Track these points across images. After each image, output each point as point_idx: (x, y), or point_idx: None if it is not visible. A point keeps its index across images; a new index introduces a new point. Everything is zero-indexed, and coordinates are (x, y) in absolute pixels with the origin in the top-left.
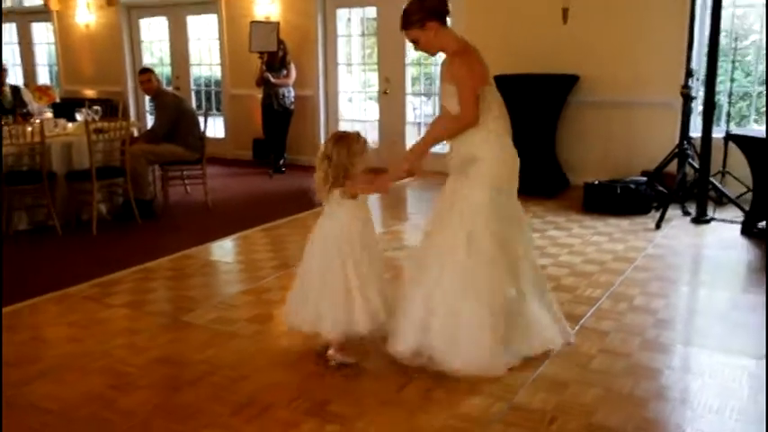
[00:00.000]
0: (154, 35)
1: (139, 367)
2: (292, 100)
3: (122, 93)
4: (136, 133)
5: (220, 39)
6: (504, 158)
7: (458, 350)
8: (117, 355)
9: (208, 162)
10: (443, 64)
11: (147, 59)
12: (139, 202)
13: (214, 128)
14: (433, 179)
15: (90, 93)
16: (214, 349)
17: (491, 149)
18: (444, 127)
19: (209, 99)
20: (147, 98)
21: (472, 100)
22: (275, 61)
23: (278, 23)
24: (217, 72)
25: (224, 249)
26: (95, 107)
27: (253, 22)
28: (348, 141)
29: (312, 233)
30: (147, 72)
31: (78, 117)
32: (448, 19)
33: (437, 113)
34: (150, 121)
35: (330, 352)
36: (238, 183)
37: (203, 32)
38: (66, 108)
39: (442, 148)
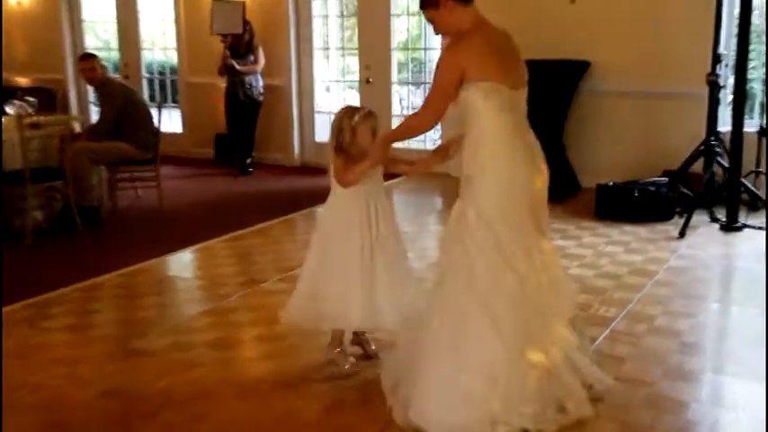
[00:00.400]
0: (98, 14)
1: (82, 403)
2: (261, 90)
3: (61, 81)
4: (78, 129)
5: (177, 19)
6: (508, 179)
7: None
8: (55, 387)
9: (162, 161)
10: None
11: (91, 42)
12: (82, 209)
13: (170, 122)
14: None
15: (23, 81)
16: (169, 380)
17: (489, 166)
18: (400, 124)
19: (163, 89)
20: (91, 88)
21: (435, 97)
22: (241, 46)
23: (243, 2)
24: (173, 58)
25: (181, 263)
26: (29, 98)
27: (215, 1)
28: (350, 112)
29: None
30: (89, 58)
31: (9, 110)
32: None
33: None
34: (95, 114)
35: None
36: (198, 185)
37: (157, 12)
38: None
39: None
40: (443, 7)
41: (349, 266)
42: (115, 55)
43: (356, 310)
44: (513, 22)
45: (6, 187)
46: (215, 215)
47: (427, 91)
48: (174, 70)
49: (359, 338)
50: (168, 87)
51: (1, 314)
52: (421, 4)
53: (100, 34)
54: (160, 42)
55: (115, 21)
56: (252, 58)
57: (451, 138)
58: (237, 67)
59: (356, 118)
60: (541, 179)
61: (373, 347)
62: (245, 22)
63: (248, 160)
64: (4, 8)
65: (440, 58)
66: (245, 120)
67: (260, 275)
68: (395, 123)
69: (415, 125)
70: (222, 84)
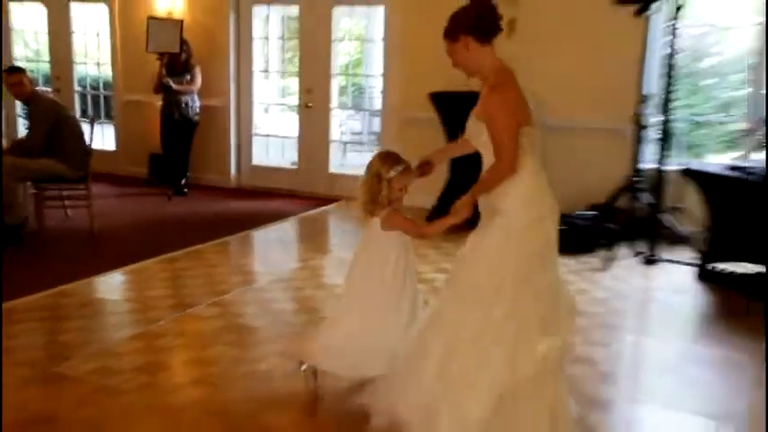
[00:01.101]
0: (29, 23)
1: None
2: (197, 110)
3: None
4: (4, 143)
5: (111, 34)
6: (538, 209)
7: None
8: None
9: (94, 180)
10: (481, 93)
11: (20, 52)
12: (6, 227)
13: (103, 139)
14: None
15: None
16: (93, 408)
17: (523, 200)
18: (484, 179)
19: (96, 105)
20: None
21: (510, 145)
22: (177, 64)
23: (181, 21)
24: (107, 72)
25: (110, 285)
26: None
27: (151, 17)
28: (390, 161)
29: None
30: (16, 72)
31: None
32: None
33: (367, 129)
34: (22, 128)
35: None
36: (131, 205)
37: (91, 24)
38: None
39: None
40: (461, 42)
41: (383, 313)
42: (46, 67)
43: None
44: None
45: None
46: (147, 236)
47: (368, 118)
48: (108, 86)
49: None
50: (102, 103)
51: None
52: (444, 33)
53: (30, 44)
54: (94, 56)
55: (47, 31)
56: (188, 77)
57: (433, 153)
58: (173, 86)
59: (392, 173)
60: (555, 217)
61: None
62: (183, 42)
63: (183, 181)
64: None
65: (491, 106)
66: (180, 140)
67: (191, 299)
68: (333, 148)
69: (501, 176)
70: (158, 102)
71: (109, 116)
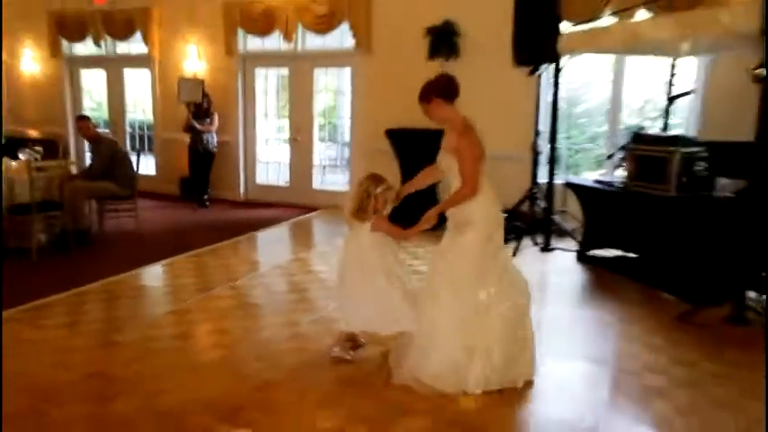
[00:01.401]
0: (93, 83)
1: (68, 383)
2: (215, 144)
3: (63, 134)
4: (74, 171)
5: (153, 90)
6: (495, 217)
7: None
8: (47, 373)
9: (139, 196)
10: (444, 134)
11: (87, 104)
12: (76, 232)
13: (146, 166)
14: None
15: (33, 133)
16: (138, 365)
17: (486, 212)
18: (453, 198)
19: (142, 141)
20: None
21: (475, 176)
22: (200, 111)
23: (203, 80)
24: (149, 117)
25: (152, 275)
26: (37, 147)
27: (181, 78)
28: (376, 181)
29: (342, 254)
30: (84, 119)
31: (21, 156)
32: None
33: (340, 156)
34: (88, 159)
35: (335, 349)
36: (166, 215)
37: (138, 84)
38: (9, 147)
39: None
40: (433, 102)
41: (382, 285)
42: (105, 114)
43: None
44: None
45: (17, 216)
46: (179, 238)
47: (341, 149)
48: (150, 127)
49: (353, 335)
50: (146, 140)
51: (1, 314)
52: (419, 98)
53: (94, 97)
54: (140, 106)
55: (106, 88)
56: (209, 120)
57: (401, 188)
58: (198, 126)
59: (379, 189)
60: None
61: (362, 339)
62: (204, 94)
63: (205, 197)
64: (18, 74)
65: (462, 146)
66: (202, 166)
67: (212, 284)
68: (315, 172)
69: (465, 196)
70: (186, 139)
71: (150, 149)
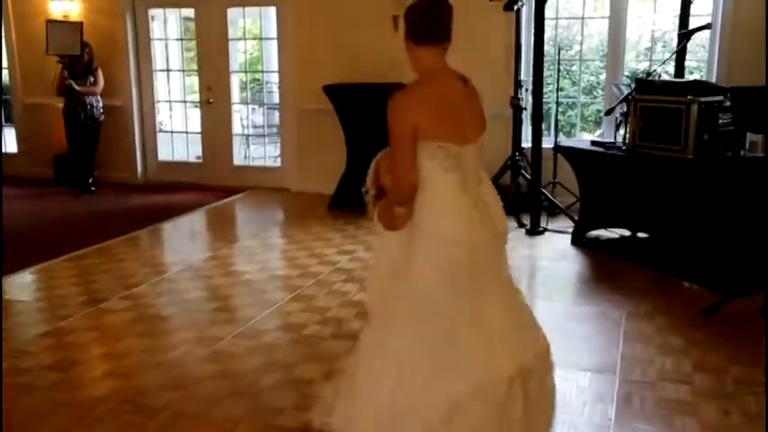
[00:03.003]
0: None
1: None
2: (101, 111)
3: None
4: None
5: (7, 38)
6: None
7: None
8: None
9: None
10: None
11: None
12: None
13: (4, 142)
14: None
15: None
16: (4, 406)
17: (431, 227)
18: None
19: None
20: None
21: (395, 154)
22: (79, 66)
23: (81, 23)
24: (4, 77)
25: (17, 285)
26: None
27: (50, 20)
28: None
29: None
30: None
31: None
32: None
33: (268, 122)
34: None
35: None
36: (37, 206)
37: None
38: None
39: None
40: (406, 42)
41: None
42: None
43: None
44: (341, 49)
45: None
46: (55, 235)
47: (269, 113)
48: (5, 89)
49: None
50: (1, 107)
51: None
52: None
53: None
54: None
55: None
56: (92, 79)
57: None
58: (77, 88)
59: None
60: (488, 236)
61: None
62: (84, 44)
63: (90, 179)
64: None
65: (390, 114)
66: (86, 139)
67: (102, 294)
68: (236, 141)
69: (396, 182)
70: (60, 104)
71: (9, 119)
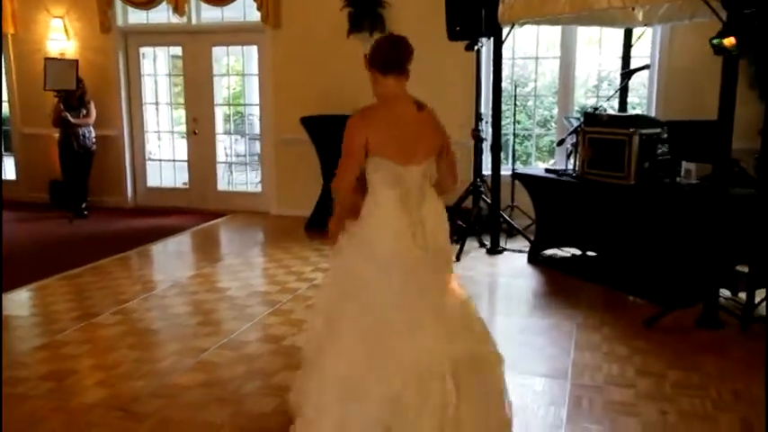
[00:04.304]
0: None
1: None
2: (93, 140)
3: None
4: None
5: (7, 74)
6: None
7: None
8: None
9: None
10: None
11: None
12: None
13: (3, 169)
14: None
15: None
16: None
17: (369, 235)
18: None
19: None
20: None
21: (342, 159)
22: (73, 100)
23: (77, 61)
24: (4, 109)
25: (15, 302)
26: None
27: (48, 58)
28: None
29: None
30: None
31: None
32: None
33: (250, 151)
34: None
35: None
36: (34, 228)
37: None
38: None
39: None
40: (370, 72)
41: None
42: None
43: None
44: (317, 82)
45: None
46: (51, 256)
47: (250, 142)
48: (5, 120)
49: None
50: (1, 137)
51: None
52: None
53: None
54: None
55: None
56: (85, 111)
57: None
58: (73, 120)
59: None
60: (417, 252)
61: None
62: (78, 80)
63: (83, 204)
64: None
65: (345, 130)
66: (79, 167)
67: (94, 310)
68: (219, 169)
69: (334, 189)
70: (55, 134)
71: (8, 148)
